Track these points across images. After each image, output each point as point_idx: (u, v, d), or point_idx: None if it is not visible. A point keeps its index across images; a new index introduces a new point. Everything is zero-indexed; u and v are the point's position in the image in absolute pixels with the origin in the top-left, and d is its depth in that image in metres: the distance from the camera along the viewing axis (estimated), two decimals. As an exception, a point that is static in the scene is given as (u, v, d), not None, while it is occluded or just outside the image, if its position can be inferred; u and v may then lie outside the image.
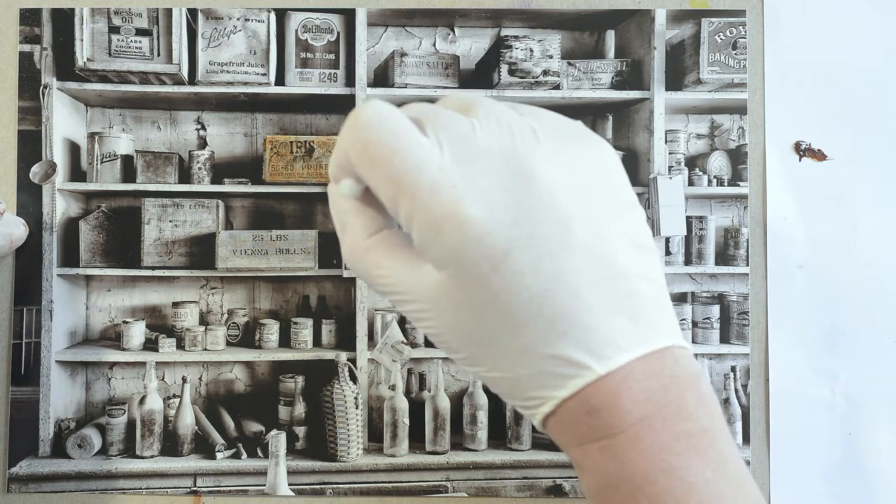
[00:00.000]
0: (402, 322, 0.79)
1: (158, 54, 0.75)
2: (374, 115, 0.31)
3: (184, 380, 0.76)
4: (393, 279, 0.32)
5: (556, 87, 0.77)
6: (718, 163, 0.78)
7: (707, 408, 0.30)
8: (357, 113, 0.31)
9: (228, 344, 0.79)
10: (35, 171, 0.72)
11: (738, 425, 0.73)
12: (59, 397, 0.73)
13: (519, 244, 0.29)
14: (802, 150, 0.72)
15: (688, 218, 0.77)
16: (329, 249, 0.78)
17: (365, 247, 0.34)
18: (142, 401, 0.74)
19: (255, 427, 0.75)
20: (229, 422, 0.76)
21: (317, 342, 0.78)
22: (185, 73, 0.75)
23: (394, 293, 0.33)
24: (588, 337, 0.29)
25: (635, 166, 0.79)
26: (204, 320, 0.78)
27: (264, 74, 0.76)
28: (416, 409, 0.77)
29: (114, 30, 0.74)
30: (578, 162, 0.31)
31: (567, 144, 0.31)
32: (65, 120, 0.75)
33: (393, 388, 0.77)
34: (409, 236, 0.31)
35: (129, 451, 0.74)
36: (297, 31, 0.77)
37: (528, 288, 0.29)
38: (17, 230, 0.69)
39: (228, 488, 0.72)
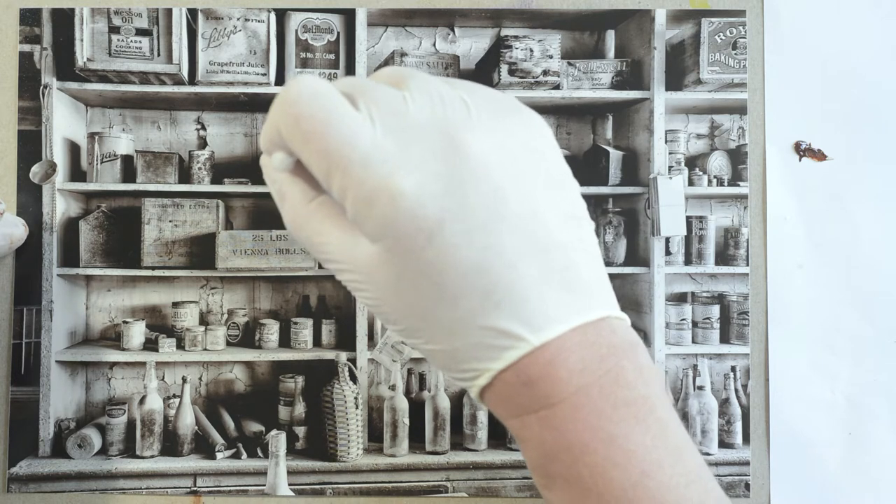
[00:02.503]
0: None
1: (158, 54, 0.75)
2: (306, 89, 0.31)
3: (184, 380, 0.75)
4: (332, 247, 0.32)
5: (556, 87, 0.77)
6: (718, 163, 0.78)
7: (645, 376, 0.30)
8: (288, 87, 0.31)
9: (228, 344, 0.79)
10: (35, 171, 0.72)
11: (738, 425, 0.73)
12: (59, 397, 0.73)
13: (452, 215, 0.29)
14: (802, 150, 0.72)
15: (688, 218, 0.77)
16: (329, 249, 0.78)
17: (305, 214, 0.33)
18: (142, 401, 0.74)
19: (255, 427, 0.75)
20: (229, 422, 0.76)
21: (317, 342, 0.78)
22: (185, 73, 0.75)
23: (334, 261, 0.32)
24: (523, 308, 0.29)
25: (635, 166, 0.79)
26: (204, 320, 0.78)
27: (264, 74, 0.76)
28: (416, 409, 0.77)
29: (114, 30, 0.74)
30: (511, 135, 0.31)
31: (499, 117, 0.31)
32: (65, 120, 0.75)
33: (393, 388, 0.77)
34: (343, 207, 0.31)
35: (129, 451, 0.74)
36: (297, 31, 0.77)
37: (462, 259, 0.29)
38: (17, 230, 0.69)
39: (228, 488, 0.72)
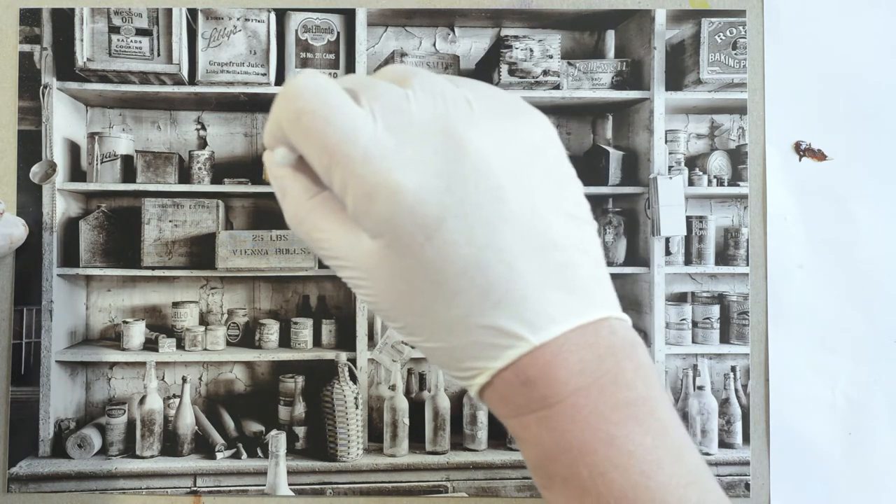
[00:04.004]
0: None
1: (158, 54, 0.75)
2: (308, 84, 0.31)
3: (184, 380, 0.76)
4: (332, 244, 0.32)
5: (556, 87, 0.77)
6: (718, 163, 0.78)
7: (645, 377, 0.30)
8: (291, 83, 0.31)
9: (228, 344, 0.79)
10: (35, 171, 0.72)
11: (738, 425, 0.73)
12: (59, 397, 0.73)
13: (452, 213, 0.29)
14: (802, 150, 0.72)
15: (688, 218, 0.77)
16: (329, 249, 0.78)
17: (306, 209, 0.33)
18: (142, 401, 0.74)
19: (255, 427, 0.75)
20: (229, 422, 0.76)
21: (317, 342, 0.78)
22: (185, 73, 0.75)
23: (333, 258, 0.32)
24: (522, 308, 0.29)
25: (635, 166, 0.79)
26: (204, 320, 0.78)
27: (264, 74, 0.76)
28: (416, 409, 0.77)
29: (114, 30, 0.74)
30: (513, 134, 0.31)
31: (502, 116, 0.31)
32: (65, 120, 0.75)
33: (393, 388, 0.77)
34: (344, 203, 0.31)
35: (129, 451, 0.74)
36: (297, 31, 0.77)
37: (461, 257, 0.29)
38: (17, 230, 0.69)
39: (228, 488, 0.72)
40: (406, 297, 0.30)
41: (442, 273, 0.29)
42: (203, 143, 0.80)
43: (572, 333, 0.29)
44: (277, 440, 0.72)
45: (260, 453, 0.74)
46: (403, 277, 0.30)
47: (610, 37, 0.80)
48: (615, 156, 0.79)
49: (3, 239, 0.66)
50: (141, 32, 0.74)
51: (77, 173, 0.76)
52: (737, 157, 0.76)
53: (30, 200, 0.72)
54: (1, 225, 0.66)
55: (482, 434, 0.75)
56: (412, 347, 0.77)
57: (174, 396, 0.76)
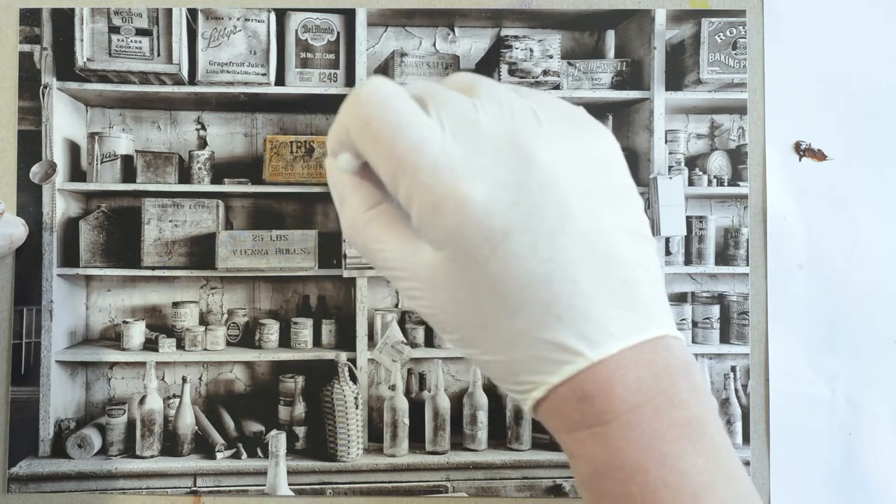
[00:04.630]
0: (402, 322, 0.79)
1: (158, 54, 0.75)
2: (377, 91, 0.31)
3: (184, 380, 0.76)
4: (390, 254, 0.32)
5: (556, 87, 0.77)
6: (718, 163, 0.78)
7: (699, 397, 0.30)
8: (359, 89, 0.31)
9: (228, 344, 0.79)
10: (35, 171, 0.72)
11: (738, 425, 0.73)
12: (59, 397, 0.73)
13: (518, 226, 0.29)
14: (802, 150, 0.72)
15: (688, 218, 0.77)
16: (329, 249, 0.78)
17: (364, 220, 0.33)
18: (142, 401, 0.74)
19: (255, 427, 0.75)
20: (229, 422, 0.76)
21: (317, 342, 0.78)
22: (185, 73, 0.75)
23: (391, 269, 0.32)
24: (583, 323, 0.29)
25: (635, 166, 0.79)
26: (204, 320, 0.78)
27: (264, 74, 0.76)
28: (416, 409, 0.77)
29: (114, 30, 0.74)
30: (579, 148, 0.31)
31: (569, 130, 0.31)
32: (65, 120, 0.75)
33: (393, 388, 0.77)
34: (408, 213, 0.31)
35: (129, 451, 0.74)
36: (297, 31, 0.77)
37: (525, 271, 0.29)
38: (17, 230, 0.69)
39: (228, 488, 0.72)
40: (467, 310, 0.30)
41: (505, 286, 0.29)
42: (203, 143, 0.80)
43: (631, 351, 0.29)
44: (277, 440, 0.72)
45: (260, 453, 0.74)
46: (466, 289, 0.30)
47: (610, 37, 0.80)
48: (615, 156, 0.79)
49: (3, 239, 0.66)
50: (141, 32, 0.74)
51: (77, 173, 0.76)
52: (737, 157, 0.76)
53: (30, 200, 0.72)
54: (1, 225, 0.66)
55: (482, 434, 0.75)
56: (413, 348, 0.77)
57: (174, 396, 0.76)
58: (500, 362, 0.31)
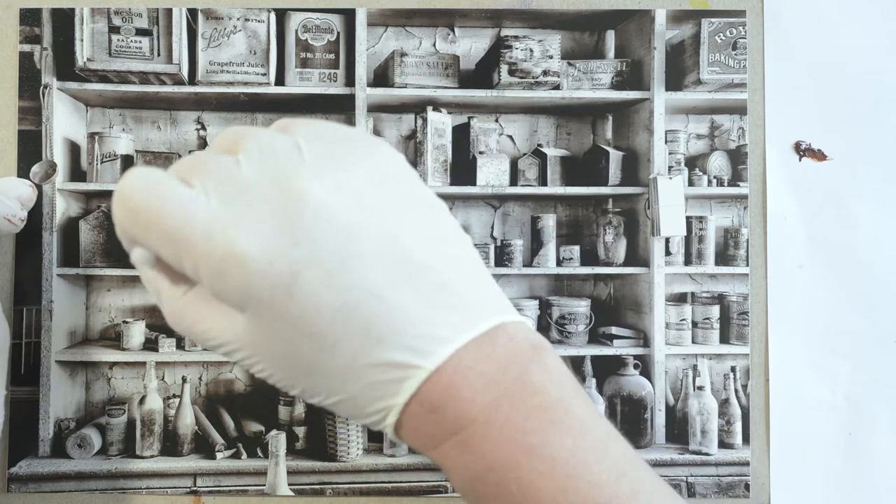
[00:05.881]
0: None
1: (158, 54, 0.75)
2: (136, 181, 0.31)
3: (184, 380, 0.76)
4: (212, 332, 0.32)
5: (556, 87, 0.77)
6: (718, 163, 0.78)
7: (554, 378, 0.30)
8: (121, 184, 0.31)
9: (228, 344, 0.79)
10: (35, 171, 0.72)
11: (738, 425, 0.73)
12: (59, 397, 0.73)
13: (304, 265, 0.28)
14: (802, 150, 0.72)
15: (688, 218, 0.77)
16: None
17: (181, 306, 0.33)
18: (142, 401, 0.74)
19: (255, 427, 0.75)
20: (229, 422, 0.76)
21: (317, 342, 0.78)
22: (185, 73, 0.75)
23: (218, 344, 0.32)
24: (405, 337, 0.28)
25: (635, 166, 0.79)
26: (204, 320, 0.78)
27: (264, 74, 0.76)
28: (416, 409, 0.77)
29: (114, 30, 0.74)
30: (349, 171, 0.30)
31: (336, 156, 0.31)
32: (65, 120, 0.75)
33: (393, 388, 0.77)
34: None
35: (129, 451, 0.74)
36: (297, 31, 0.77)
37: (327, 305, 0.28)
38: (25, 191, 0.67)
39: (228, 488, 0.72)
40: (290, 360, 0.30)
41: (313, 325, 0.29)
42: (203, 144, 0.80)
43: (465, 350, 0.29)
44: (277, 440, 0.72)
45: (260, 453, 0.74)
46: (281, 341, 0.29)
47: (610, 37, 0.80)
48: (615, 156, 0.79)
49: (12, 202, 0.66)
50: (141, 32, 0.74)
51: (77, 173, 0.76)
52: (737, 157, 0.76)
53: (30, 200, 0.72)
54: (7, 188, 0.65)
55: (482, 434, 0.75)
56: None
57: (174, 396, 0.76)
58: (345, 401, 0.30)
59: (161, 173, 0.31)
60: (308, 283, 0.28)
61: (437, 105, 0.79)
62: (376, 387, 0.29)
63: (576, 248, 0.79)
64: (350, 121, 0.77)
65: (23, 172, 0.72)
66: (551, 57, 0.77)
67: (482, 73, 0.79)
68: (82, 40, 0.73)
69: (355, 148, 0.32)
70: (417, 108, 0.79)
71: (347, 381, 0.29)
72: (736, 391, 0.74)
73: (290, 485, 0.72)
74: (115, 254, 0.77)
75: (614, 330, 0.78)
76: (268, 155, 0.30)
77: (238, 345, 0.31)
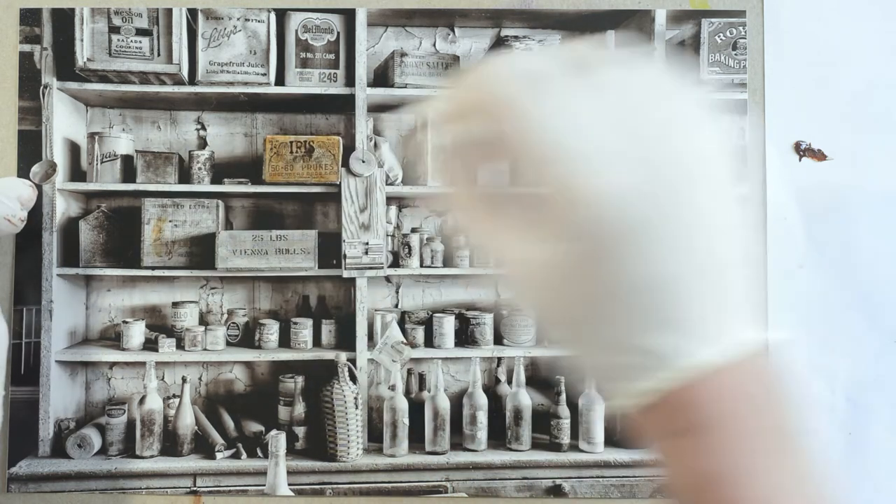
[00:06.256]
0: (402, 322, 0.79)
1: (158, 54, 0.75)
2: (513, 70, 0.30)
3: (184, 380, 0.75)
4: (501, 241, 0.32)
5: (556, 87, 0.77)
6: (718, 163, 0.78)
7: (789, 404, 0.31)
8: (495, 68, 0.30)
9: (228, 344, 0.79)
10: (35, 171, 0.72)
11: (738, 425, 0.73)
12: (59, 397, 0.73)
13: (642, 228, 0.28)
14: (802, 150, 0.72)
15: (688, 218, 0.77)
16: (329, 249, 0.78)
17: (474, 196, 0.33)
18: (142, 401, 0.74)
19: (255, 427, 0.75)
20: (229, 422, 0.76)
21: (317, 342, 0.78)
22: (185, 73, 0.75)
23: (500, 252, 0.32)
24: (685, 330, 0.29)
25: (635, 166, 0.79)
26: (204, 320, 0.78)
27: (264, 74, 0.76)
28: (416, 409, 0.77)
29: (114, 30, 0.74)
30: (709, 148, 0.31)
31: (700, 125, 0.31)
32: (65, 120, 0.75)
33: (393, 388, 0.77)
34: (523, 198, 0.31)
35: (128, 451, 0.74)
36: (297, 31, 0.77)
37: (637, 275, 0.28)
38: (25, 191, 0.67)
39: (228, 488, 0.72)
40: (572, 307, 0.30)
41: (616, 287, 0.29)
42: (203, 143, 0.80)
43: (731, 359, 0.29)
44: (277, 440, 0.72)
45: (260, 453, 0.74)
46: (574, 284, 0.29)
47: (610, 37, 0.80)
48: (615, 156, 0.79)
49: (12, 202, 0.65)
50: (141, 32, 0.74)
51: (77, 173, 0.76)
52: (737, 157, 0.76)
53: (30, 200, 0.72)
54: (7, 188, 0.65)
55: (482, 434, 0.75)
56: (413, 348, 0.77)
57: (174, 396, 0.76)
58: (602, 367, 0.31)
59: (543, 71, 0.30)
60: (634, 247, 0.28)
61: (437, 105, 0.79)
62: (638, 368, 0.29)
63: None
64: (350, 121, 0.77)
65: (23, 172, 0.72)
66: (551, 57, 0.77)
67: (482, 73, 0.79)
68: (82, 40, 0.73)
69: (704, 113, 0.32)
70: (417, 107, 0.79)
71: (613, 351, 0.30)
72: (736, 391, 0.74)
73: (289, 485, 0.72)
74: (115, 254, 0.77)
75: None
76: (648, 109, 0.30)
77: (523, 265, 0.31)
